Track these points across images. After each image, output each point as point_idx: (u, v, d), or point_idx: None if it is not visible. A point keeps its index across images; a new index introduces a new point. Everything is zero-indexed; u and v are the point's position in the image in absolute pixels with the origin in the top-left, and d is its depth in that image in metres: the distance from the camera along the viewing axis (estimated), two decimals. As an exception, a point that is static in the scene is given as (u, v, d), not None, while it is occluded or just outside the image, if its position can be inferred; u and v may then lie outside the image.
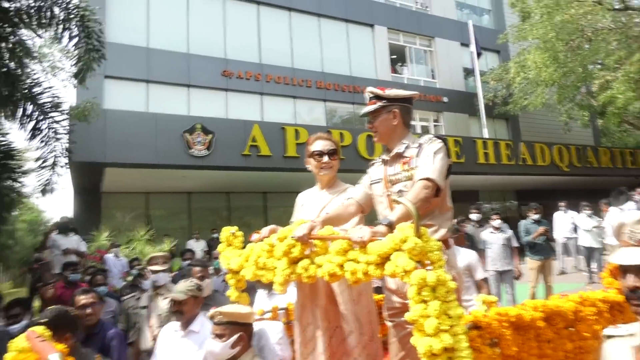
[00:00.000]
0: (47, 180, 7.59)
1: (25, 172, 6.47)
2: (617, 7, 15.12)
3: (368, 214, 2.65)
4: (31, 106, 6.73)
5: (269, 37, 15.93)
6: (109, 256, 8.16)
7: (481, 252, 7.18)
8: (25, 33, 6.33)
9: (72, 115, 8.27)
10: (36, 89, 7.25)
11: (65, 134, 7.68)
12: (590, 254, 10.03)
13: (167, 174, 11.26)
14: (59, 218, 8.05)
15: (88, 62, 6.89)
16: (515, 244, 7.54)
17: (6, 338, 2.40)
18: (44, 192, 7.74)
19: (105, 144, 9.74)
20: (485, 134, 17.74)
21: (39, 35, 6.96)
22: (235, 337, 2.30)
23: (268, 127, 12.08)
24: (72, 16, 6.48)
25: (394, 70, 18.93)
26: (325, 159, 2.70)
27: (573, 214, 10.93)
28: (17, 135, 18.14)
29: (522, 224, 8.21)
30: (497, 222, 7.56)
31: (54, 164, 7.53)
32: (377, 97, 2.44)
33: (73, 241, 7.86)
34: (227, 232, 2.75)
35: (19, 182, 6.36)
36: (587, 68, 15.93)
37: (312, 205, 2.74)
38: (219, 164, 11.11)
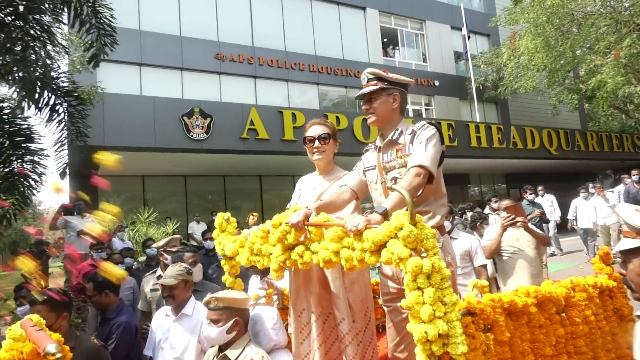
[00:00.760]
0: (65, 163, 7.77)
1: (46, 155, 6.56)
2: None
3: (363, 200, 2.67)
4: (47, 91, 6.79)
5: (261, 20, 15.80)
6: (115, 240, 8.19)
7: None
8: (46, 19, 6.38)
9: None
10: (53, 74, 7.34)
11: (80, 118, 7.79)
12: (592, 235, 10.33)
13: (165, 157, 11.25)
14: (73, 200, 8.06)
15: (100, 47, 6.92)
16: None
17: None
18: (62, 175, 7.92)
19: (103, 127, 9.69)
20: (477, 118, 17.95)
21: (62, 22, 6.98)
22: (230, 322, 2.31)
23: (266, 111, 12.08)
24: (83, 1, 6.48)
25: (386, 54, 18.91)
26: (316, 143, 2.67)
27: (594, 200, 10.23)
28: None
29: None
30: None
31: (70, 147, 7.69)
32: (379, 79, 2.42)
33: (88, 223, 7.83)
34: (221, 217, 2.72)
35: (41, 165, 6.46)
36: (577, 52, 16.17)
37: (309, 191, 2.74)
38: (218, 147, 11.14)
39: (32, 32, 6.13)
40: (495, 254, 4.15)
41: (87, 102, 8.29)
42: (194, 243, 10.82)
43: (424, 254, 1.60)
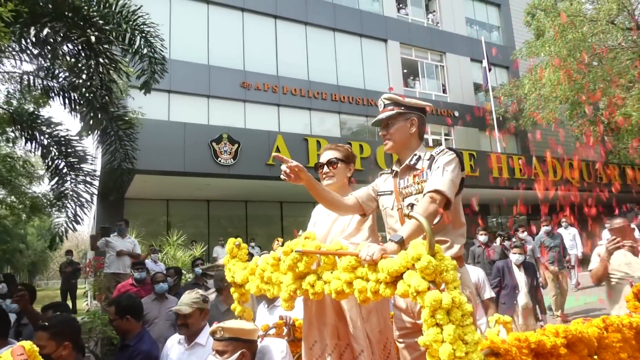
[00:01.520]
0: (115, 183, 8.05)
1: (97, 176, 6.76)
2: (628, 26, 15.52)
3: (374, 224, 2.57)
4: (100, 113, 7.09)
5: (286, 50, 16.27)
6: (148, 262, 8.30)
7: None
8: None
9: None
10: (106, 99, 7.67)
11: (129, 141, 8.06)
12: None
13: (192, 181, 11.44)
14: (116, 222, 8.31)
15: (151, 74, 7.21)
16: (538, 254, 7.76)
17: None
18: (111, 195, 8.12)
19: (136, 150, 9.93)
20: (499, 149, 17.99)
21: (124, 51, 7.37)
22: (237, 354, 2.16)
23: (291, 138, 12.31)
24: (137, 32, 6.82)
25: (406, 84, 19.21)
26: (325, 169, 2.61)
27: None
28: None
29: (537, 237, 8.52)
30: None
31: (120, 170, 7.96)
32: (395, 104, 2.36)
33: (128, 243, 8.09)
34: (232, 243, 2.60)
35: (93, 185, 6.67)
36: (599, 86, 16.24)
37: (324, 217, 2.64)
38: (244, 173, 11.33)
39: (100, 59, 6.43)
40: (602, 279, 3.88)
41: (134, 126, 8.57)
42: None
43: (443, 287, 1.47)
